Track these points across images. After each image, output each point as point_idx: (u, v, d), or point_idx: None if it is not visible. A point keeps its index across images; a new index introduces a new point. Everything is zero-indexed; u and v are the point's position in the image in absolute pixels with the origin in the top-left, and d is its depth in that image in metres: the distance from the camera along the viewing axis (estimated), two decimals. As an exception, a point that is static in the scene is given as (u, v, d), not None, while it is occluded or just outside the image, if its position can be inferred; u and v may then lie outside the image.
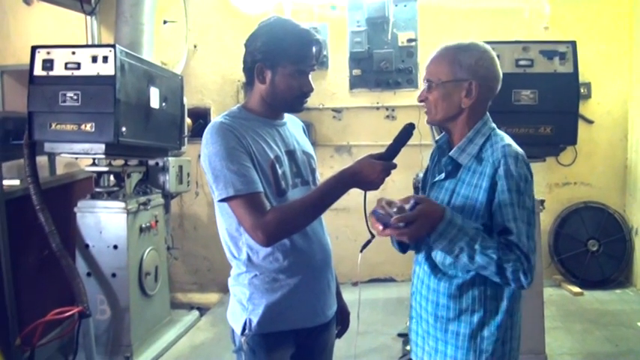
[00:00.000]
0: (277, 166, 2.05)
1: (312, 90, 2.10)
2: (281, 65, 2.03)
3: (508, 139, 1.88)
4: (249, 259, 2.05)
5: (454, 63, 1.87)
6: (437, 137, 2.09)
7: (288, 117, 2.24)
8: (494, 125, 1.94)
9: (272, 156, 2.04)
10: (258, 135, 2.04)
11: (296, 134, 2.23)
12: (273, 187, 2.02)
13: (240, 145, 1.96)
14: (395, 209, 1.73)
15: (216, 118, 2.06)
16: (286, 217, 1.93)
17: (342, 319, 2.41)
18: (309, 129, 2.31)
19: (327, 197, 1.95)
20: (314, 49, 2.06)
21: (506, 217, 1.75)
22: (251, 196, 1.91)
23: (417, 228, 1.69)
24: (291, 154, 2.14)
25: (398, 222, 1.67)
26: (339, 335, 2.41)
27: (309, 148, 2.28)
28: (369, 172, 1.89)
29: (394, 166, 1.91)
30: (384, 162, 1.90)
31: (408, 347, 4.24)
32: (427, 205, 1.73)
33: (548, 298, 5.42)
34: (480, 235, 1.73)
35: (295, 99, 2.10)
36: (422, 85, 1.96)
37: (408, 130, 1.93)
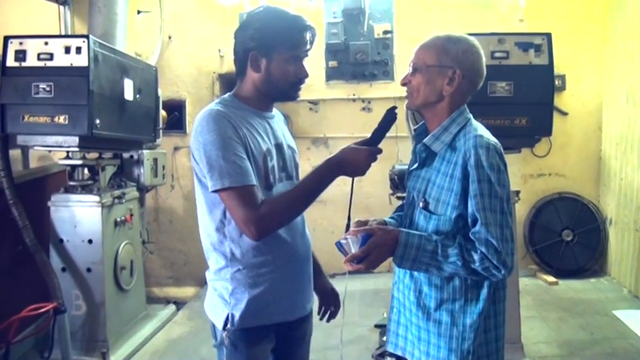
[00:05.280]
0: (268, 159, 2.03)
1: (307, 76, 2.10)
2: (276, 52, 2.01)
3: (482, 130, 1.89)
4: (232, 252, 2.01)
5: (441, 50, 1.89)
6: (414, 128, 2.09)
7: (274, 110, 2.22)
8: (470, 116, 1.95)
9: (264, 148, 2.02)
10: (252, 126, 2.02)
11: (282, 128, 2.22)
12: (263, 181, 2.00)
13: (236, 136, 1.92)
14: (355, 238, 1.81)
15: (210, 105, 2.01)
16: (278, 211, 1.93)
17: (333, 300, 2.45)
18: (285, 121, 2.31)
19: (315, 188, 1.98)
20: (308, 35, 2.05)
21: (475, 207, 1.77)
22: (246, 188, 1.89)
23: (372, 260, 1.80)
24: (279, 147, 2.12)
25: (350, 261, 1.80)
26: (332, 317, 2.44)
27: (293, 143, 2.26)
28: (355, 159, 1.92)
29: (380, 151, 1.95)
30: (368, 147, 1.93)
31: (385, 338, 4.26)
32: (379, 236, 1.80)
33: (524, 287, 5.48)
34: (439, 247, 1.77)
35: (291, 86, 2.08)
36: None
37: (391, 113, 1.96)
